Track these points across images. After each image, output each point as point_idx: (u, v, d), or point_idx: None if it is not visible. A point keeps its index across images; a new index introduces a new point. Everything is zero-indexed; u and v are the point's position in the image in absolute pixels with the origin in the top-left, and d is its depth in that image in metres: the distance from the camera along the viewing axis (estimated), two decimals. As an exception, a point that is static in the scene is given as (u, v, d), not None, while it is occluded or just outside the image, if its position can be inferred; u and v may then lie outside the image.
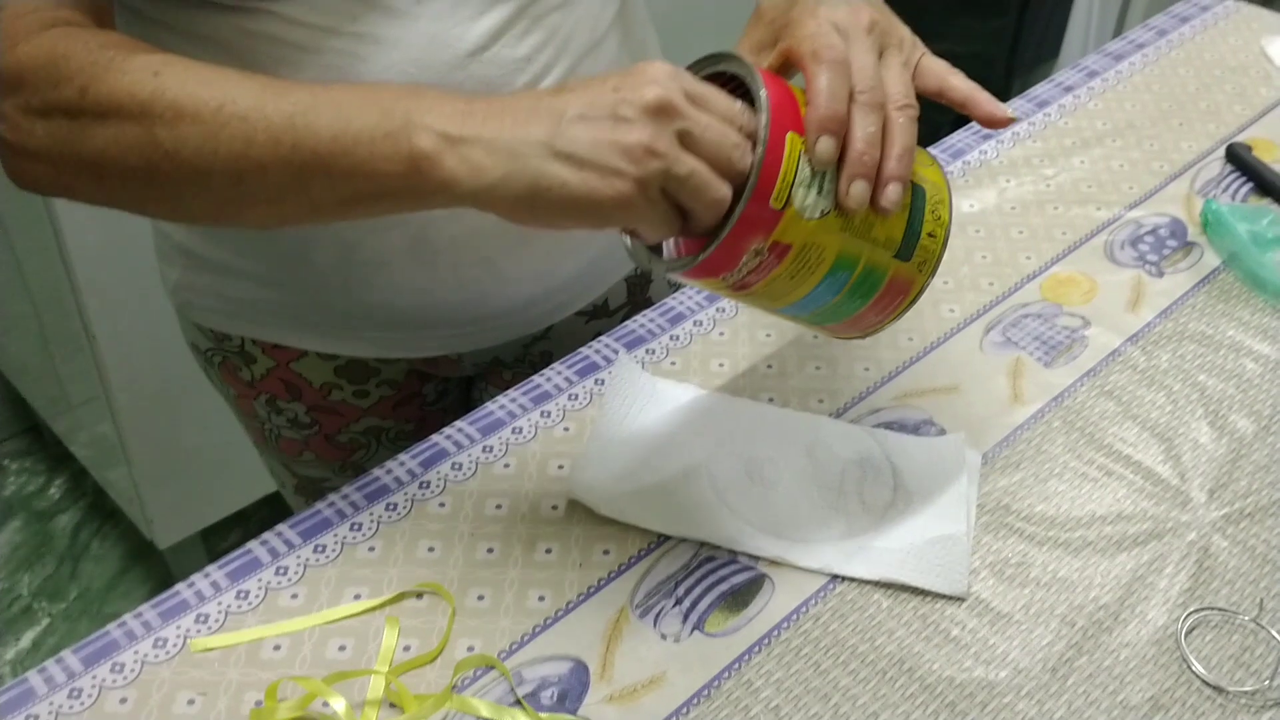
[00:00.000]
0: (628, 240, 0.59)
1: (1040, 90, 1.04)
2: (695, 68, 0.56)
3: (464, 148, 0.51)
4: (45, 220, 1.25)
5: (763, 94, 0.52)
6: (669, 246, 0.59)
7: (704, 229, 0.53)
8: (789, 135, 0.52)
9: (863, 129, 0.53)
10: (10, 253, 1.45)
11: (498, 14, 0.67)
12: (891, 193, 0.54)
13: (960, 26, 2.22)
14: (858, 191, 0.53)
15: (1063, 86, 1.05)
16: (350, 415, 0.85)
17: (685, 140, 0.51)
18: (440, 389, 0.88)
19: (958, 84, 0.60)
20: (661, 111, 0.50)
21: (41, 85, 0.55)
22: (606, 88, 0.51)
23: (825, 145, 0.52)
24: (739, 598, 0.65)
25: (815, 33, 0.56)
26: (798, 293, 0.56)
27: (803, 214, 0.53)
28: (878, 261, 0.56)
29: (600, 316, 0.87)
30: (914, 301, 0.59)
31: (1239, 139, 0.98)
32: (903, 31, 0.60)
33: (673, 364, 0.79)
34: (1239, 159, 0.96)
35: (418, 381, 0.86)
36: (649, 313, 0.83)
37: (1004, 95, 2.46)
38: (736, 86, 0.55)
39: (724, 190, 0.51)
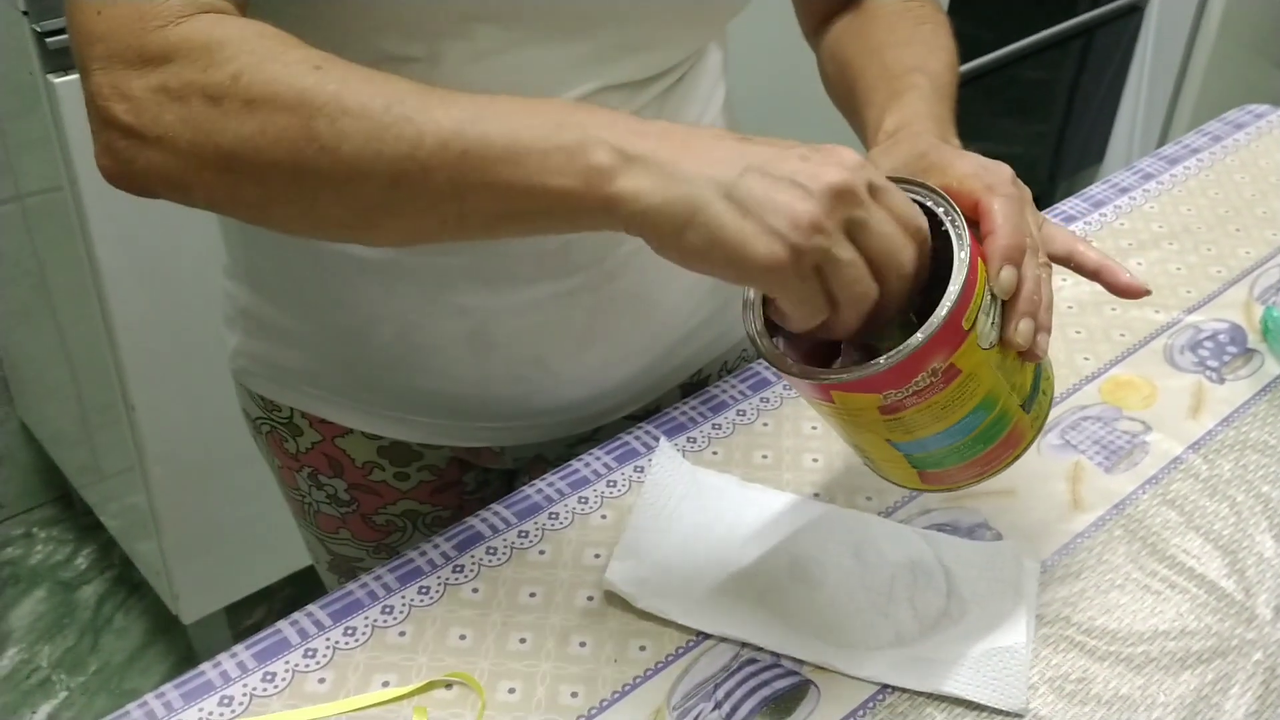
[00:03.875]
0: (759, 339, 0.55)
1: (1095, 190, 1.03)
2: None
3: (639, 166, 0.49)
4: (90, 289, 1.26)
5: (961, 217, 0.54)
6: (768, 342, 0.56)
7: (839, 335, 0.53)
8: (978, 260, 0.53)
9: (1030, 270, 0.55)
10: (53, 321, 1.47)
11: None
12: (1043, 341, 0.55)
13: (1003, 129, 2.23)
14: (1026, 329, 0.54)
15: (1118, 188, 1.04)
16: (389, 497, 0.84)
17: (855, 230, 0.49)
18: (481, 479, 0.87)
19: (1088, 252, 0.62)
20: (841, 195, 0.49)
21: (189, 67, 0.51)
22: (793, 154, 0.50)
23: (1009, 274, 0.54)
24: (782, 704, 0.62)
25: (979, 172, 0.57)
26: (937, 427, 0.55)
27: (980, 342, 0.53)
28: (1010, 407, 0.57)
29: (668, 409, 0.85)
30: (1017, 458, 0.60)
31: (1299, 246, 0.97)
32: (1029, 191, 0.60)
33: (714, 454, 0.77)
34: (1300, 266, 0.94)
35: (459, 469, 0.84)
36: (691, 400, 0.81)
37: (1048, 198, 2.46)
38: None
39: (874, 289, 0.50)
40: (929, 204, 0.55)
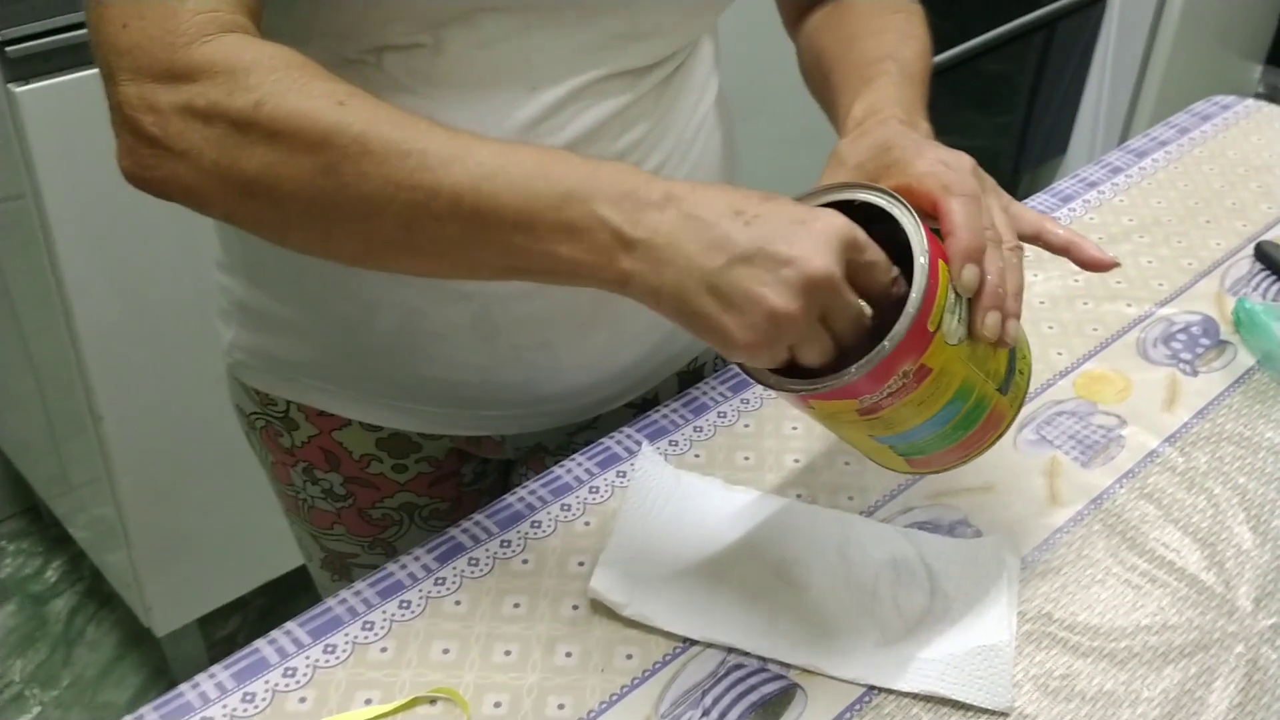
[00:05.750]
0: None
1: (1063, 185, 1.04)
2: (825, 193, 0.57)
3: (638, 249, 0.52)
4: (55, 298, 1.24)
5: (919, 222, 0.55)
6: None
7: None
8: (939, 262, 0.54)
9: (993, 263, 0.57)
10: (16, 329, 1.44)
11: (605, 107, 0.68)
12: (1012, 327, 0.57)
13: (966, 121, 2.24)
14: (992, 321, 0.56)
15: (1086, 182, 1.04)
16: (386, 489, 0.83)
17: (826, 315, 0.53)
18: (479, 470, 0.87)
19: (1055, 229, 0.64)
20: (820, 288, 0.52)
21: (215, 88, 0.53)
22: (780, 241, 0.52)
23: (971, 273, 0.55)
24: (770, 709, 0.62)
25: (936, 170, 0.58)
26: (915, 420, 0.56)
27: (947, 339, 0.54)
28: (986, 393, 0.58)
29: (649, 410, 0.85)
30: (1000, 437, 0.61)
31: (1267, 237, 0.97)
32: (990, 178, 0.62)
33: (696, 456, 0.77)
34: (1268, 257, 0.94)
35: (457, 460, 0.84)
36: (672, 403, 0.81)
37: (1012, 192, 2.47)
38: (857, 212, 0.56)
39: (833, 353, 0.54)
40: (892, 211, 0.56)
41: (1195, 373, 0.84)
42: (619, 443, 0.77)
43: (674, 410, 0.80)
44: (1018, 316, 0.57)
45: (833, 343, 0.54)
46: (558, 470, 0.75)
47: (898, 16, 0.73)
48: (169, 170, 0.54)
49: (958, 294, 0.55)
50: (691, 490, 0.73)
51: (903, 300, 0.54)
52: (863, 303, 0.54)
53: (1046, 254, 0.95)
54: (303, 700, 0.61)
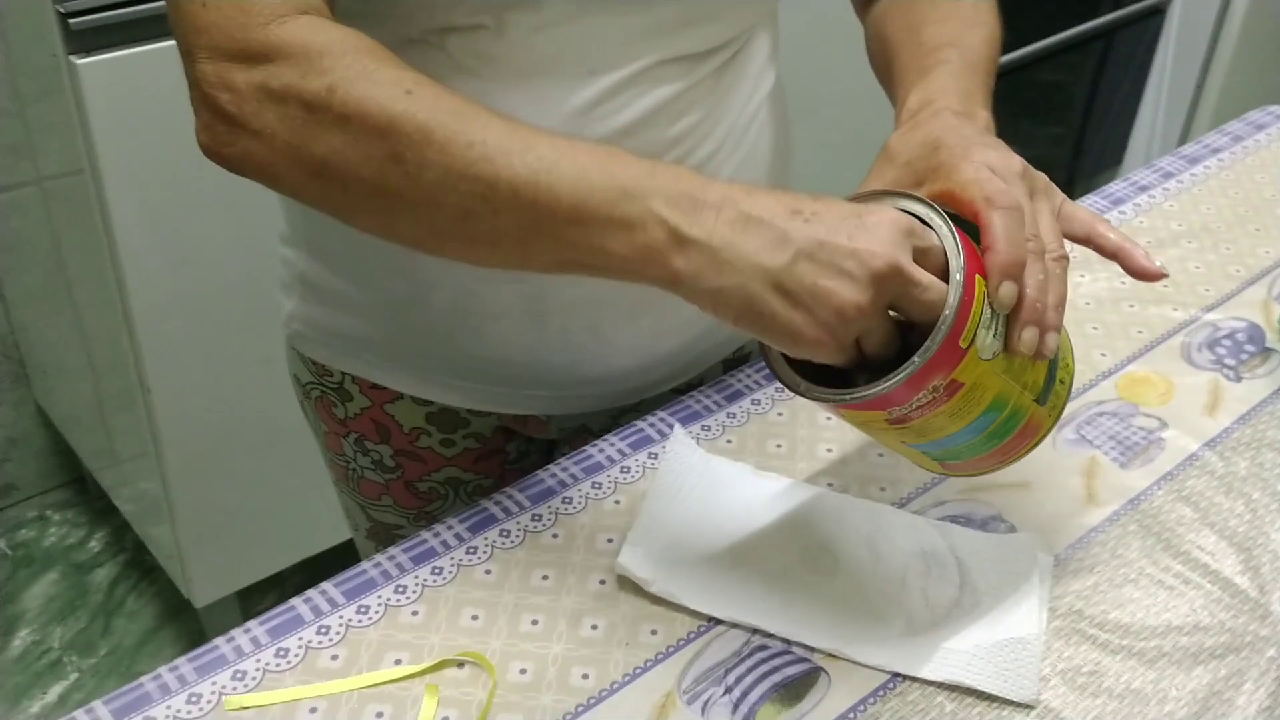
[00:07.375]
0: (777, 367, 0.59)
1: (1114, 188, 1.03)
2: (868, 200, 0.57)
3: (693, 249, 0.53)
4: (110, 272, 1.26)
5: (957, 236, 0.54)
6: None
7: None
8: (976, 277, 0.54)
9: (1033, 277, 0.56)
10: (70, 302, 1.47)
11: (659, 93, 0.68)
12: (1051, 341, 0.56)
13: (1021, 131, 2.22)
14: (1029, 337, 0.55)
15: (1137, 185, 1.03)
16: (433, 464, 0.85)
17: (898, 301, 0.53)
18: (523, 449, 0.88)
19: (1108, 233, 0.63)
20: (887, 279, 0.52)
21: (289, 70, 0.54)
22: (841, 234, 0.52)
23: (1008, 290, 0.55)
24: (792, 690, 0.62)
25: (980, 177, 0.57)
26: (947, 430, 0.56)
27: (981, 354, 0.54)
28: (1022, 405, 0.57)
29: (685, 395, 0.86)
30: (1037, 445, 0.60)
31: (1319, 247, 0.96)
32: (1043, 177, 0.61)
33: (729, 442, 0.77)
34: (1320, 267, 0.93)
35: (503, 438, 0.86)
36: (706, 389, 0.81)
37: (1065, 200, 2.45)
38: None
39: (895, 346, 0.54)
40: (930, 223, 0.56)
41: (1238, 378, 0.83)
42: (652, 425, 0.78)
43: (708, 395, 0.81)
44: (1058, 330, 0.56)
45: (897, 330, 0.54)
46: (590, 449, 0.76)
47: (965, 3, 0.73)
48: (243, 147, 0.56)
49: (994, 309, 0.54)
50: (721, 474, 0.73)
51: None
52: (942, 290, 0.54)
53: (1094, 254, 0.95)
54: (334, 658, 0.63)
